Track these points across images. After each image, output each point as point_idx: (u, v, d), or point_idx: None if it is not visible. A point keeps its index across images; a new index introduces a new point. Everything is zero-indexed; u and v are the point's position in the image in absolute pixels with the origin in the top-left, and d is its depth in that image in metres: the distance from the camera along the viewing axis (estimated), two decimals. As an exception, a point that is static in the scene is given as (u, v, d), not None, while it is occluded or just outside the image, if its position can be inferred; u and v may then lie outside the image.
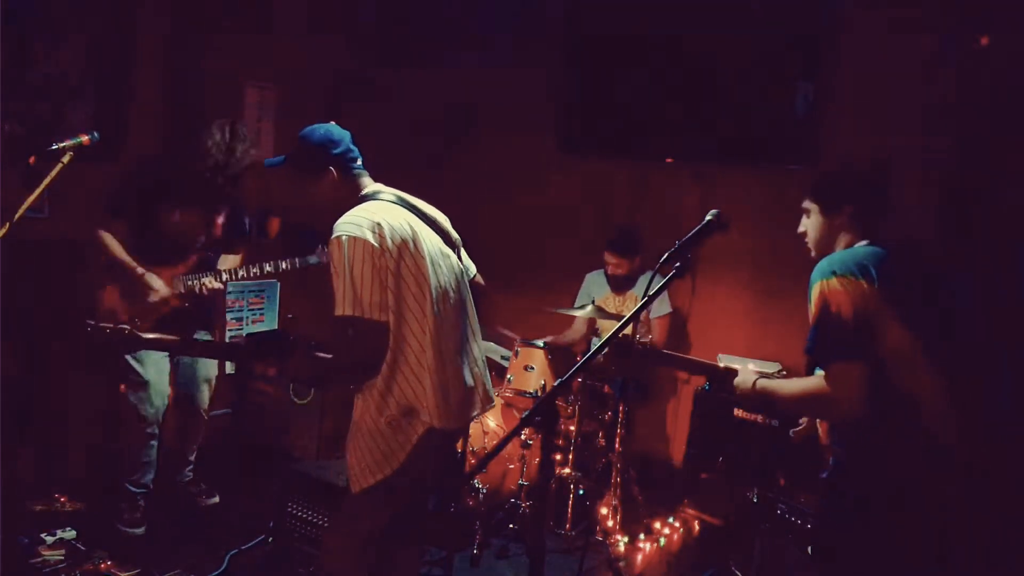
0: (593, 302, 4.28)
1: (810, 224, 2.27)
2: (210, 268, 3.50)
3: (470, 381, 2.48)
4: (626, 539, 3.83)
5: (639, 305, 2.00)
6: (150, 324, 3.33)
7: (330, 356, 2.41)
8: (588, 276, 4.74)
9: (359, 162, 2.49)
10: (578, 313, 4.27)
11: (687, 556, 3.82)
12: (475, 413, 2.52)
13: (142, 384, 3.46)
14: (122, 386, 3.96)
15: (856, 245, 2.12)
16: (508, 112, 5.26)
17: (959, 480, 1.91)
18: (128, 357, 3.44)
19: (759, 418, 3.86)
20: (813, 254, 2.26)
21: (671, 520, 4.00)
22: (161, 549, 3.38)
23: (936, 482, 1.92)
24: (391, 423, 2.32)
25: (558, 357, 4.19)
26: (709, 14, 4.51)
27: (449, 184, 5.53)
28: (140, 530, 3.51)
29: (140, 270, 3.35)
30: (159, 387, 3.51)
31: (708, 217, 2.06)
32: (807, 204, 2.27)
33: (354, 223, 2.28)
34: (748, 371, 2.30)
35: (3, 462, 3.21)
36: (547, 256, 5.18)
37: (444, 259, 2.49)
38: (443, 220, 2.61)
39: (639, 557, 3.79)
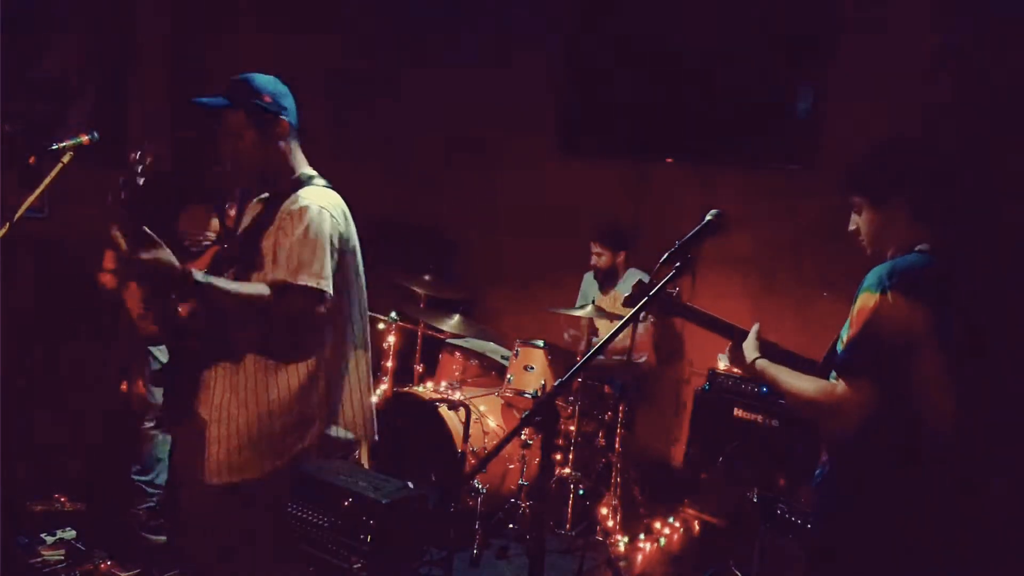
0: (593, 302, 4.28)
1: (862, 221, 2.03)
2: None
3: (365, 412, 2.40)
4: (626, 539, 3.83)
5: (639, 306, 1.99)
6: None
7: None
8: (586, 276, 4.76)
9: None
10: (579, 313, 4.27)
11: (687, 556, 3.82)
12: (357, 449, 2.47)
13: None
14: (123, 384, 3.96)
15: (915, 250, 1.93)
16: (508, 112, 5.26)
17: (963, 501, 1.88)
18: (152, 350, 3.42)
19: (759, 418, 3.86)
20: (868, 252, 2.05)
21: (671, 520, 4.00)
22: (161, 549, 3.38)
23: (940, 501, 1.89)
24: (285, 427, 2.21)
25: (558, 357, 4.20)
26: (709, 14, 4.51)
27: (449, 184, 5.54)
28: (164, 537, 3.47)
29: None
30: None
31: (708, 217, 2.04)
32: (855, 199, 2.03)
33: (322, 203, 2.17)
34: (753, 344, 2.12)
35: (3, 462, 3.21)
36: (547, 256, 5.18)
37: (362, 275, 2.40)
38: None
39: (639, 557, 3.79)
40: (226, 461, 2.19)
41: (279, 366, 2.20)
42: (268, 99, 2.21)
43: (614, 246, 4.47)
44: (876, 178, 2.00)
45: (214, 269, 2.25)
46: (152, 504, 3.49)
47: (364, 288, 2.40)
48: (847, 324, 1.94)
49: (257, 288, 2.13)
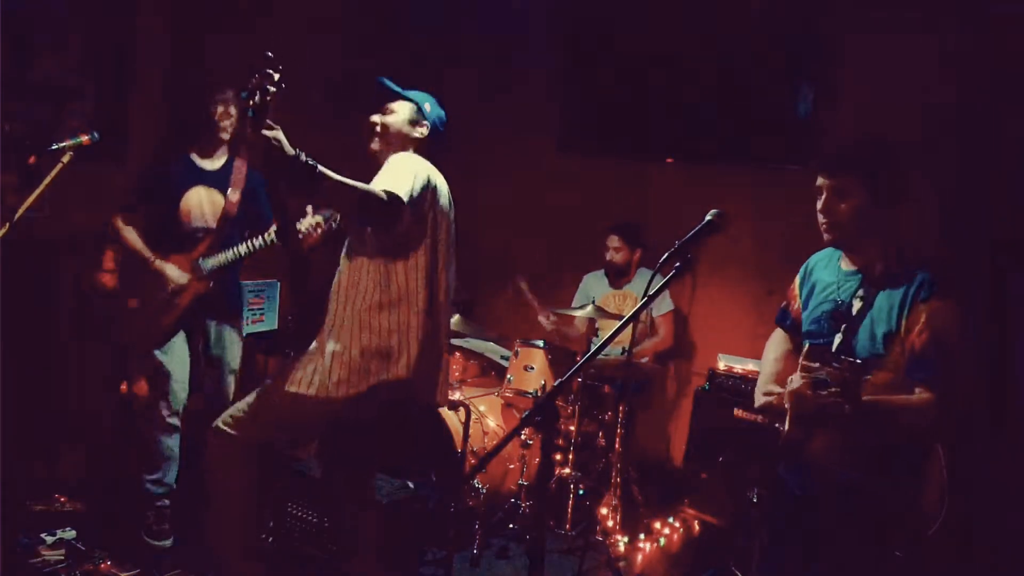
0: (593, 302, 4.28)
1: (849, 209, 2.05)
2: (231, 246, 3.40)
3: (443, 373, 2.69)
4: (626, 539, 3.83)
5: (639, 305, 1.99)
6: (174, 317, 3.36)
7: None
8: (586, 277, 4.77)
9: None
10: (578, 313, 4.28)
11: (687, 556, 3.82)
12: (437, 397, 2.69)
13: (164, 375, 3.39)
14: (123, 385, 3.95)
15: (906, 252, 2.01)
16: (508, 112, 5.25)
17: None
18: (157, 354, 3.37)
19: (759, 418, 3.85)
20: (828, 238, 2.11)
21: (671, 520, 4.00)
22: (161, 549, 3.38)
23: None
24: (364, 353, 2.44)
25: (558, 357, 4.20)
26: (710, 14, 4.51)
27: (448, 185, 5.53)
28: (167, 542, 3.41)
29: (155, 260, 3.32)
30: (181, 379, 3.43)
31: (708, 217, 2.04)
32: (847, 183, 2.04)
33: (407, 155, 2.60)
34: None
35: (3, 462, 3.21)
36: (547, 256, 5.18)
37: (452, 239, 2.70)
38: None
39: (639, 557, 3.79)
40: (306, 373, 2.46)
41: (368, 294, 2.48)
42: (428, 108, 2.72)
43: (633, 242, 4.52)
44: (893, 181, 2.05)
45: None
46: (164, 504, 3.42)
47: (453, 257, 2.68)
48: (891, 324, 1.97)
49: (356, 183, 2.32)
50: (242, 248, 3.37)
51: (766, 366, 2.43)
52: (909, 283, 2.02)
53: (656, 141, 4.77)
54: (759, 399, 2.39)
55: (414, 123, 2.70)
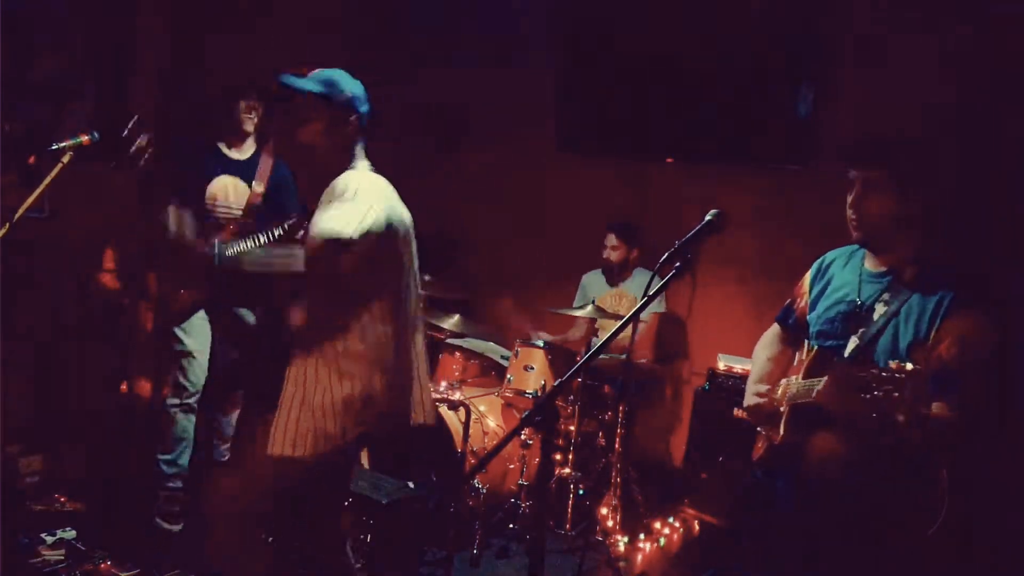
0: (593, 302, 4.28)
1: (881, 203, 1.98)
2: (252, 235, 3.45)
3: (418, 391, 2.47)
4: (626, 539, 3.83)
5: (639, 305, 1.99)
6: (194, 296, 3.37)
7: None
8: (585, 277, 4.78)
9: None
10: (578, 313, 4.28)
11: (687, 556, 3.82)
12: (420, 421, 2.48)
13: (184, 354, 3.42)
14: (123, 385, 3.95)
15: (933, 255, 1.94)
16: (507, 112, 5.25)
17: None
18: (177, 331, 3.41)
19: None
20: (856, 236, 2.03)
21: (671, 520, 4.00)
22: (161, 549, 3.38)
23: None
24: (346, 401, 2.24)
25: (558, 357, 4.20)
26: (710, 14, 4.50)
27: (449, 184, 5.54)
28: (177, 527, 3.46)
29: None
30: (201, 360, 3.46)
31: (708, 217, 2.03)
32: (880, 177, 1.97)
33: (358, 176, 2.28)
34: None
35: (3, 462, 3.20)
36: (547, 256, 5.18)
37: (414, 260, 2.48)
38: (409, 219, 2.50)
39: (639, 557, 3.79)
40: (289, 433, 2.24)
41: (338, 340, 2.25)
42: (346, 93, 2.31)
43: (630, 241, 4.54)
44: (919, 167, 1.99)
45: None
46: (176, 485, 3.45)
47: (416, 275, 2.45)
48: (920, 332, 1.90)
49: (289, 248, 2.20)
50: (261, 237, 3.39)
51: (758, 365, 2.39)
52: (945, 291, 1.92)
53: (656, 141, 4.76)
54: (749, 399, 2.36)
55: (337, 121, 2.30)
